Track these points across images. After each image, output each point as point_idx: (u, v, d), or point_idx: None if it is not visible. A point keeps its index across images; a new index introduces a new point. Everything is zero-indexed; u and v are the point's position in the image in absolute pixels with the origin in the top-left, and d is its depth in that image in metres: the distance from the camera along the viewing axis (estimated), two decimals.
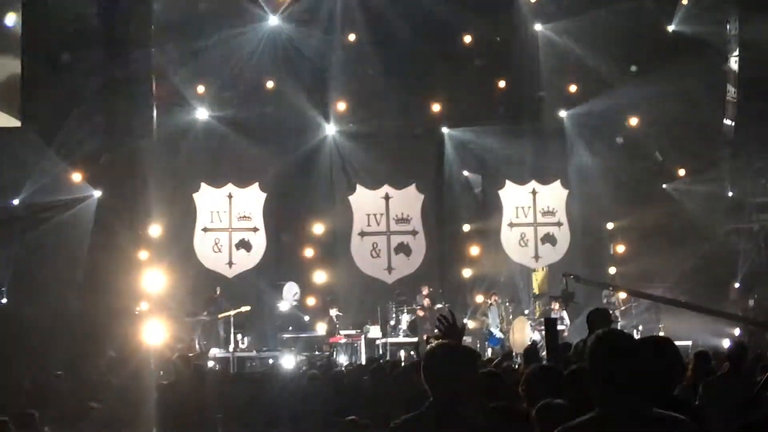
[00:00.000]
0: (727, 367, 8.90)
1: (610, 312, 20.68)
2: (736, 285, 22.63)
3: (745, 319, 19.21)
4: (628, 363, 3.84)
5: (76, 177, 19.99)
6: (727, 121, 23.17)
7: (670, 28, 23.19)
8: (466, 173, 24.73)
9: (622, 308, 22.10)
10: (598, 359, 3.92)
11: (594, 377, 3.91)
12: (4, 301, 19.83)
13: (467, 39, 23.29)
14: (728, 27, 22.82)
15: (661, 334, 20.11)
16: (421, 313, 21.68)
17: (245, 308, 20.93)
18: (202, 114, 22.52)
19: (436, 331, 5.59)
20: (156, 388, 10.75)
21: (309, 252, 23.20)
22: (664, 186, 24.01)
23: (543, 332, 20.37)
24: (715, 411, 6.97)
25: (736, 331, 20.29)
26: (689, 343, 18.84)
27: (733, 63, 22.82)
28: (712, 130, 23.33)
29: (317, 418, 10.14)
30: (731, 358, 8.96)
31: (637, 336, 15.96)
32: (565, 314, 20.58)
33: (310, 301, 22.89)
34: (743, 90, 22.60)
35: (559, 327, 19.65)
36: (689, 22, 22.86)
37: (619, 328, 18.27)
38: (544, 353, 8.62)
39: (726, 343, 16.72)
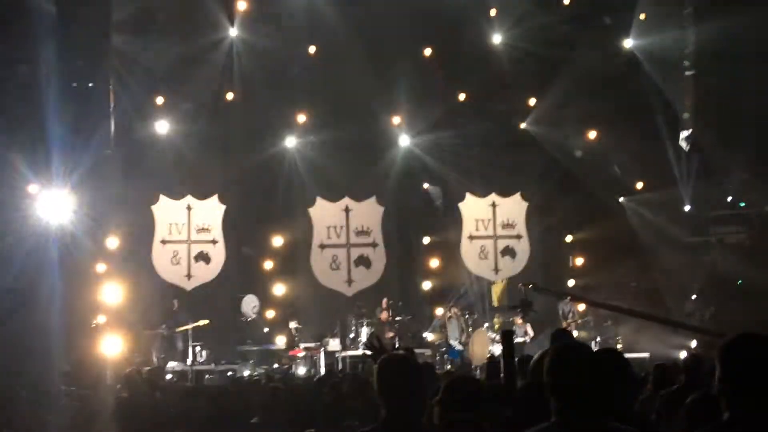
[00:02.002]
0: (683, 380, 8.96)
1: (566, 323, 21.00)
2: (693, 297, 22.85)
3: (704, 330, 19.35)
4: (585, 376, 3.87)
5: (33, 189, 19.78)
6: (684, 134, 23.43)
7: (628, 42, 23.46)
8: (426, 185, 24.79)
9: (579, 321, 22.24)
10: (556, 371, 3.95)
11: (551, 389, 3.94)
12: None
13: (428, 51, 23.38)
14: (685, 40, 23.10)
15: (619, 346, 20.31)
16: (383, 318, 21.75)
17: (203, 322, 20.79)
18: (161, 126, 22.37)
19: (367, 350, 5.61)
20: (114, 401, 10.64)
21: (268, 264, 23.13)
22: (621, 199, 24.24)
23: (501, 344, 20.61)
24: (671, 423, 7.02)
25: (693, 344, 20.48)
26: (647, 355, 19.00)
27: (689, 74, 23.10)
28: (669, 143, 23.57)
29: (277, 430, 10.09)
30: (687, 371, 9.02)
31: (594, 348, 16.05)
32: (529, 327, 20.71)
33: (270, 313, 22.80)
34: (700, 103, 22.87)
35: (520, 339, 19.80)
36: (646, 35, 23.13)
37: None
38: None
39: (683, 355, 16.87)
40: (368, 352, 5.49)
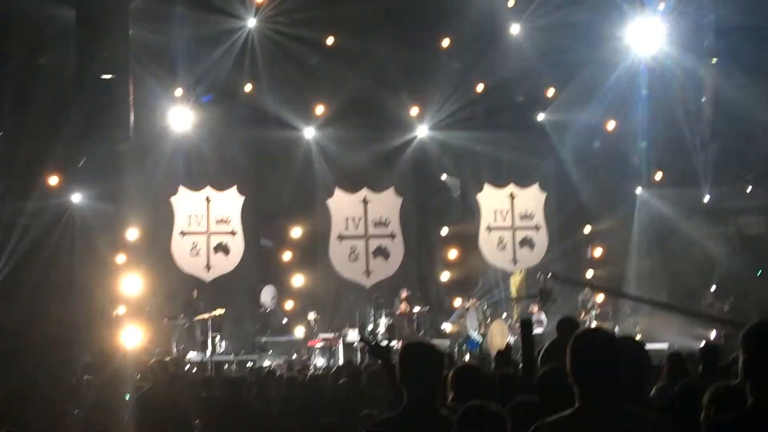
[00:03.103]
0: (700, 370, 8.95)
1: (584, 313, 20.97)
2: (712, 289, 22.76)
3: (723, 320, 19.32)
4: (606, 361, 3.88)
5: (53, 180, 19.92)
6: (705, 125, 23.30)
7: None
8: (444, 176, 24.78)
9: (597, 311, 22.20)
10: (578, 357, 3.96)
11: (573, 375, 3.95)
12: None
13: (445, 42, 23.32)
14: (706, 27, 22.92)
15: (638, 336, 20.24)
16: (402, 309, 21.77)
17: (219, 311, 20.88)
18: (180, 116, 22.41)
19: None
20: (133, 392, 10.71)
21: (287, 255, 23.19)
22: (640, 190, 24.15)
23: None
24: (687, 413, 7.00)
25: (712, 335, 20.41)
26: (665, 345, 18.94)
27: (711, 66, 22.94)
28: (689, 134, 23.45)
29: (296, 420, 10.14)
30: (703, 361, 9.00)
31: None
32: (543, 316, 20.67)
33: (289, 304, 22.87)
34: (720, 93, 22.72)
35: (537, 330, 19.77)
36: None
37: None
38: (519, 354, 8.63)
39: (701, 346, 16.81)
40: (366, 347, 5.55)
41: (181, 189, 21.70)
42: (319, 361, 20.47)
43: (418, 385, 4.49)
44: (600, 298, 22.47)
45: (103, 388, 11.36)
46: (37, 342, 16.62)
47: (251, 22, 22.13)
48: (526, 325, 7.22)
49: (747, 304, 21.02)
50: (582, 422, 3.86)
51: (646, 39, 22.31)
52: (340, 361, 19.73)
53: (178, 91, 22.32)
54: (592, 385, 3.89)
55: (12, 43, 19.18)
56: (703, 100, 23.11)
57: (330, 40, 22.80)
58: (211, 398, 10.67)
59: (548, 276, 11.18)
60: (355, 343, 21.21)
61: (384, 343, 5.74)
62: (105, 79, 18.15)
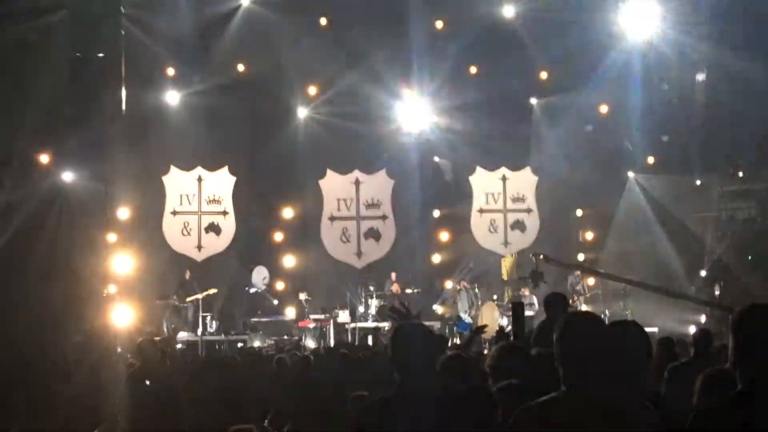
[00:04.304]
0: (692, 354, 8.97)
1: (575, 297, 21.03)
2: (703, 273, 22.82)
3: (713, 304, 19.37)
4: (595, 345, 3.87)
5: (43, 159, 19.81)
6: (697, 109, 23.30)
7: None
8: (436, 158, 24.76)
9: (587, 295, 22.27)
10: (566, 340, 3.95)
11: (559, 359, 3.94)
12: None
13: (439, 24, 23.25)
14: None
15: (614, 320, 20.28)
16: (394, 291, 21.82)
17: (212, 291, 20.90)
18: (172, 96, 22.40)
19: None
20: (125, 370, 10.70)
21: (279, 236, 23.20)
22: (632, 174, 24.17)
23: (511, 317, 20.65)
24: (678, 397, 7.02)
25: (702, 319, 20.49)
26: (655, 329, 18.99)
27: (705, 51, 22.87)
28: (681, 117, 23.47)
29: (286, 401, 10.14)
30: (696, 345, 9.02)
31: None
32: (534, 299, 20.71)
33: (280, 285, 22.90)
34: (713, 76, 22.70)
35: (528, 312, 19.82)
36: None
37: None
38: (512, 338, 8.65)
39: (692, 331, 16.88)
40: (394, 316, 5.51)
41: (173, 169, 21.66)
42: (310, 343, 20.50)
43: (409, 366, 4.47)
44: (590, 281, 22.54)
45: (93, 368, 11.35)
46: (26, 323, 16.57)
47: (244, 1, 22.02)
48: (518, 307, 7.22)
49: (736, 289, 21.06)
50: (567, 406, 3.85)
51: (641, 23, 22.29)
52: (331, 342, 19.77)
53: (170, 71, 22.25)
54: (579, 370, 3.88)
55: (2, 20, 19.02)
56: (698, 78, 23.09)
57: (323, 21, 22.73)
58: (202, 378, 10.67)
59: (540, 257, 11.15)
60: (346, 324, 21.27)
61: (414, 314, 5.68)
62: (97, 57, 18.08)
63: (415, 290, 22.30)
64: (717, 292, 21.96)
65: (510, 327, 19.78)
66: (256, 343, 19.92)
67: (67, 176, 20.04)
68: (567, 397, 3.87)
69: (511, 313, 20.43)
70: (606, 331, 4.00)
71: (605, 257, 22.97)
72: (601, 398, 3.84)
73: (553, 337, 3.99)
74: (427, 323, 17.93)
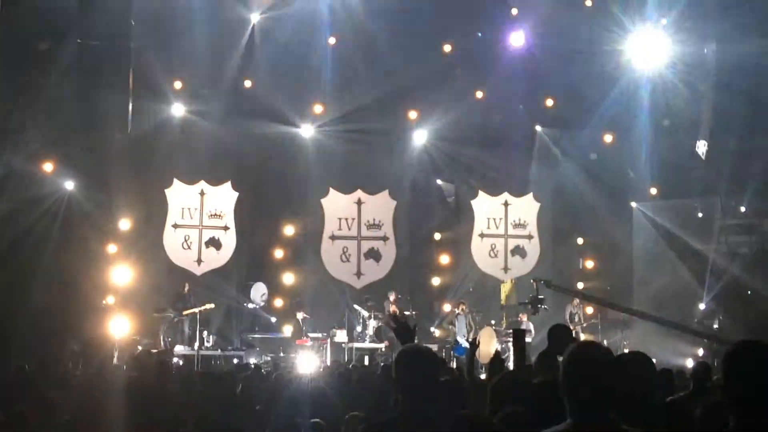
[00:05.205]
0: (691, 387, 8.94)
1: (572, 329, 21.03)
2: (702, 306, 22.79)
3: (713, 336, 19.34)
4: (603, 377, 3.84)
5: (47, 167, 19.84)
6: (701, 142, 23.35)
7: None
8: (439, 181, 24.78)
9: (584, 324, 22.23)
10: (571, 373, 3.91)
11: (565, 390, 3.90)
12: None
13: (447, 47, 23.35)
14: (706, 51, 22.96)
15: (625, 350, 20.26)
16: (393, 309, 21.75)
17: (209, 305, 20.84)
18: (177, 109, 22.47)
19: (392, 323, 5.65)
20: (122, 382, 10.67)
21: (279, 253, 23.20)
22: (634, 204, 24.20)
23: (508, 343, 20.61)
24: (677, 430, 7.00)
25: (700, 351, 20.45)
26: (654, 361, 18.93)
27: (710, 86, 22.98)
28: (685, 150, 23.52)
29: (281, 418, 10.10)
30: (695, 378, 9.00)
31: None
32: (531, 326, 20.69)
33: (278, 302, 22.87)
34: (717, 112, 22.77)
35: (525, 339, 19.77)
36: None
37: None
38: (510, 364, 8.64)
39: (689, 363, 16.84)
40: (392, 324, 5.50)
41: (176, 182, 21.63)
42: (307, 361, 20.44)
43: (415, 390, 4.45)
44: (589, 310, 22.51)
45: (91, 377, 11.33)
46: (25, 330, 16.56)
47: (254, 17, 22.14)
48: (518, 335, 7.20)
49: (735, 322, 21.05)
50: None
51: (647, 53, 22.39)
52: (328, 361, 19.72)
53: (177, 84, 22.33)
54: (585, 402, 3.83)
55: (12, 28, 19.09)
56: (703, 114, 23.18)
57: (332, 40, 22.85)
58: (197, 392, 10.64)
59: (540, 282, 11.15)
60: (344, 344, 21.23)
61: (412, 325, 5.66)
62: (105, 68, 18.16)
63: (414, 312, 22.26)
64: (716, 325, 21.93)
65: (507, 353, 19.87)
66: (252, 360, 19.85)
67: (69, 185, 20.09)
68: (575, 427, 3.83)
69: (508, 339, 20.54)
70: (614, 363, 3.97)
71: (605, 286, 22.96)
72: (608, 431, 3.81)
73: (560, 367, 3.96)
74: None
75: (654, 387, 4.50)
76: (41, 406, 9.31)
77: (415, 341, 5.53)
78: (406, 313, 22.00)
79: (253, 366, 17.79)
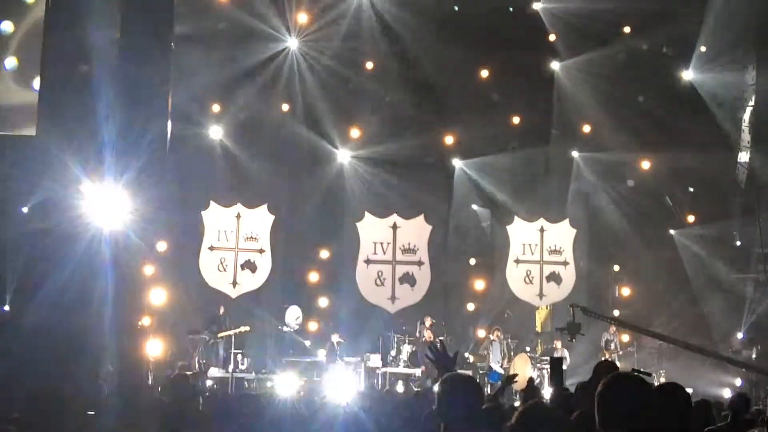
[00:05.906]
0: (729, 418, 8.83)
1: (607, 356, 20.84)
2: (740, 335, 22.53)
3: (751, 366, 19.08)
4: (640, 409, 3.80)
5: (85, 188, 19.96)
6: (740, 170, 23.15)
7: (687, 74, 23.24)
8: (474, 207, 24.73)
9: (620, 352, 22.02)
10: (605, 405, 3.87)
11: (600, 422, 3.87)
12: (6, 308, 19.73)
13: (484, 73, 23.37)
14: (746, 76, 22.80)
15: (662, 379, 20.06)
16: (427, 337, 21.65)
17: (244, 328, 20.86)
18: (215, 132, 22.61)
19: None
20: (156, 404, 10.69)
21: (314, 276, 23.19)
22: (672, 231, 24.00)
23: (543, 370, 20.46)
24: None
25: (737, 382, 20.19)
26: (690, 391, 18.69)
27: (749, 112, 22.82)
28: (723, 177, 23.33)
29: None
30: (733, 409, 8.89)
31: None
32: (566, 352, 20.53)
33: (312, 325, 22.84)
34: (757, 139, 22.59)
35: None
36: (705, 69, 22.94)
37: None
38: (544, 391, 8.54)
39: (727, 393, 16.63)
40: (431, 357, 5.49)
41: (212, 204, 21.75)
42: (341, 385, 20.38)
43: (460, 418, 4.46)
44: (625, 338, 22.30)
45: (125, 398, 11.36)
46: (60, 348, 16.62)
47: (292, 43, 22.27)
48: (556, 362, 7.13)
49: None
50: None
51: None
52: (362, 386, 19.66)
53: (216, 107, 22.48)
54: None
55: (54, 46, 19.30)
56: (742, 142, 23.00)
57: (369, 65, 22.94)
58: (231, 415, 10.62)
59: (577, 308, 11.02)
60: (377, 369, 21.15)
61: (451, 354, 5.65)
62: (145, 87, 18.27)
63: (449, 338, 22.15)
64: (754, 356, 21.65)
65: (539, 380, 19.71)
66: (287, 383, 19.81)
67: (109, 205, 20.20)
68: None
69: (542, 366, 20.39)
70: (652, 395, 3.93)
71: (640, 315, 22.75)
72: None
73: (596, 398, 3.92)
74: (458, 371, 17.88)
75: (689, 419, 4.43)
76: (75, 426, 9.35)
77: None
78: (441, 338, 21.90)
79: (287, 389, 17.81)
